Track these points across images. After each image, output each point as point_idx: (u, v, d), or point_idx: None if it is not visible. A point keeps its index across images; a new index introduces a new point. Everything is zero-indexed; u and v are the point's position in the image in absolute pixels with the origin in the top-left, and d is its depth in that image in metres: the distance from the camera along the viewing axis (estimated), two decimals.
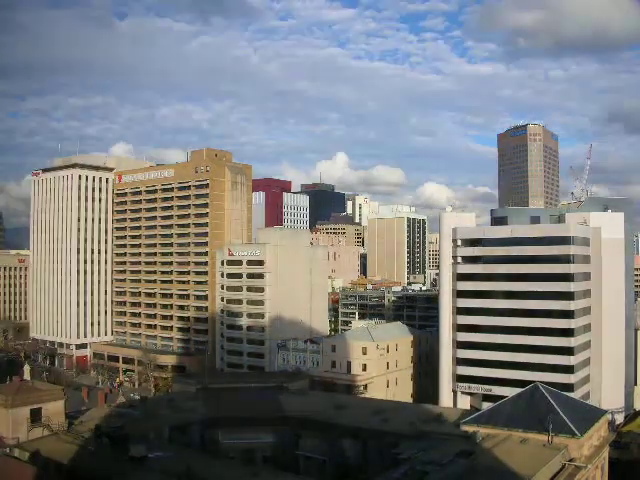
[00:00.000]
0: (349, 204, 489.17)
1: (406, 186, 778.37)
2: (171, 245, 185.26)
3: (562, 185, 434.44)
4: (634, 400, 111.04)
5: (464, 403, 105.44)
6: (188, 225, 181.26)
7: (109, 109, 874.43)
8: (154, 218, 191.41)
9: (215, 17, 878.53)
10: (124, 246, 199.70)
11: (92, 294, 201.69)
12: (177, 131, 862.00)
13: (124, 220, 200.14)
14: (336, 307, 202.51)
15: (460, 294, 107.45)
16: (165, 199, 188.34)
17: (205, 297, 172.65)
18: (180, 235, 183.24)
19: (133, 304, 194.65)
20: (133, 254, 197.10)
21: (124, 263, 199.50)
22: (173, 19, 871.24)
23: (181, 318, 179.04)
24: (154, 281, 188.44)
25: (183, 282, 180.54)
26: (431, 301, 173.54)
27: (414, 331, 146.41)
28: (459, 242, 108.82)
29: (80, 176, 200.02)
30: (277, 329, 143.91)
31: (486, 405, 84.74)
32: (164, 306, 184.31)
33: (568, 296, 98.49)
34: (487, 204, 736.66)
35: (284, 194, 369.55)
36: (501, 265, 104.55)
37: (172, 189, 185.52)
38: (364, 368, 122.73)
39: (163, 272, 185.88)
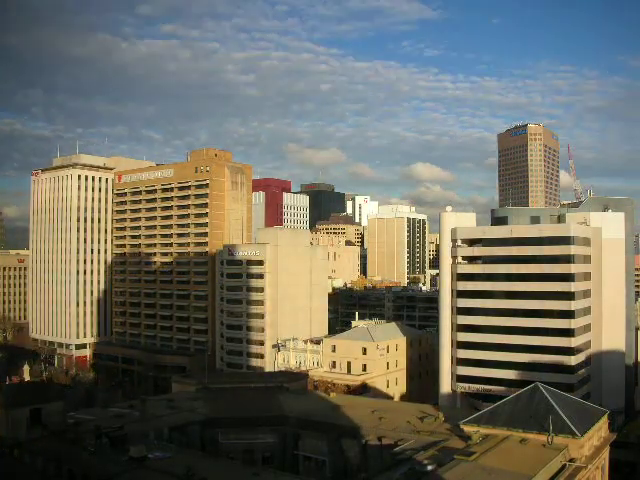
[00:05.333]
0: (349, 204, 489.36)
1: None
2: (171, 245, 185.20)
3: (562, 185, 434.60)
4: (635, 400, 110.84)
5: (464, 403, 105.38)
6: (188, 225, 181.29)
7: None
8: (154, 218, 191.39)
9: None
10: (124, 246, 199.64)
11: (92, 294, 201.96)
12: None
13: (124, 220, 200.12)
14: (336, 307, 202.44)
15: (460, 294, 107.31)
16: (165, 199, 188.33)
17: (205, 297, 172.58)
18: (180, 235, 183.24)
19: (133, 304, 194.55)
20: (133, 254, 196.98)
21: (124, 263, 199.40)
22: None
23: (181, 318, 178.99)
24: (154, 281, 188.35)
25: (183, 282, 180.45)
26: (431, 301, 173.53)
27: (414, 331, 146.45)
28: (459, 242, 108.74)
29: (80, 176, 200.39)
30: (277, 329, 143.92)
31: (486, 405, 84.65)
32: (164, 306, 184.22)
33: (568, 296, 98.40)
34: None
35: (284, 194, 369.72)
36: (501, 265, 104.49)
37: (172, 189, 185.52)
38: (364, 368, 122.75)
39: (163, 272, 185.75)
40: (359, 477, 60.49)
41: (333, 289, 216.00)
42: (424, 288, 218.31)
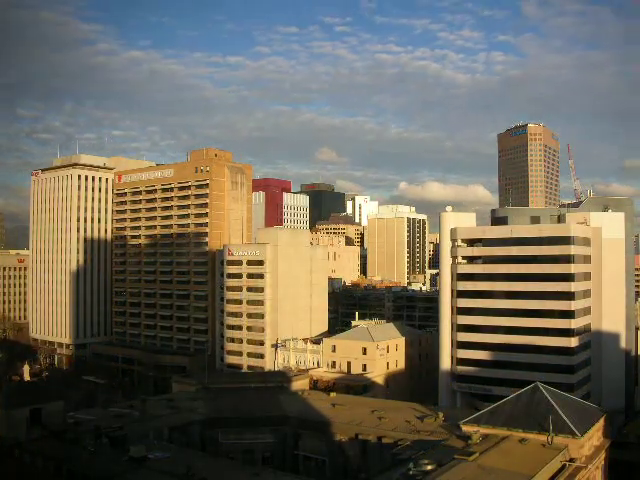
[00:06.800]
0: (349, 204, 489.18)
1: None
2: (171, 245, 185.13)
3: (562, 185, 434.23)
4: (635, 400, 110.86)
5: (464, 403, 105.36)
6: (188, 225, 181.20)
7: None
8: (154, 218, 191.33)
9: None
10: (124, 246, 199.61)
11: (92, 294, 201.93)
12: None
13: (124, 220, 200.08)
14: (336, 307, 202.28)
15: (460, 294, 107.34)
16: (165, 199, 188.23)
17: (205, 297, 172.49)
18: (180, 235, 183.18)
19: (133, 304, 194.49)
20: (133, 254, 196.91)
21: (124, 263, 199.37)
22: None
23: (181, 318, 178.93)
24: (154, 281, 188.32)
25: (183, 282, 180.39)
26: (431, 301, 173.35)
27: (414, 331, 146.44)
28: (459, 242, 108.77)
29: (80, 176, 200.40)
30: (277, 329, 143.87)
31: (486, 405, 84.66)
32: (164, 306, 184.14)
33: (568, 296, 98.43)
34: None
35: (284, 194, 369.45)
36: (501, 265, 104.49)
37: (172, 189, 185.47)
38: (364, 368, 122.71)
39: (163, 272, 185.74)
40: (359, 477, 60.57)
41: (333, 289, 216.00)
42: (423, 288, 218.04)
